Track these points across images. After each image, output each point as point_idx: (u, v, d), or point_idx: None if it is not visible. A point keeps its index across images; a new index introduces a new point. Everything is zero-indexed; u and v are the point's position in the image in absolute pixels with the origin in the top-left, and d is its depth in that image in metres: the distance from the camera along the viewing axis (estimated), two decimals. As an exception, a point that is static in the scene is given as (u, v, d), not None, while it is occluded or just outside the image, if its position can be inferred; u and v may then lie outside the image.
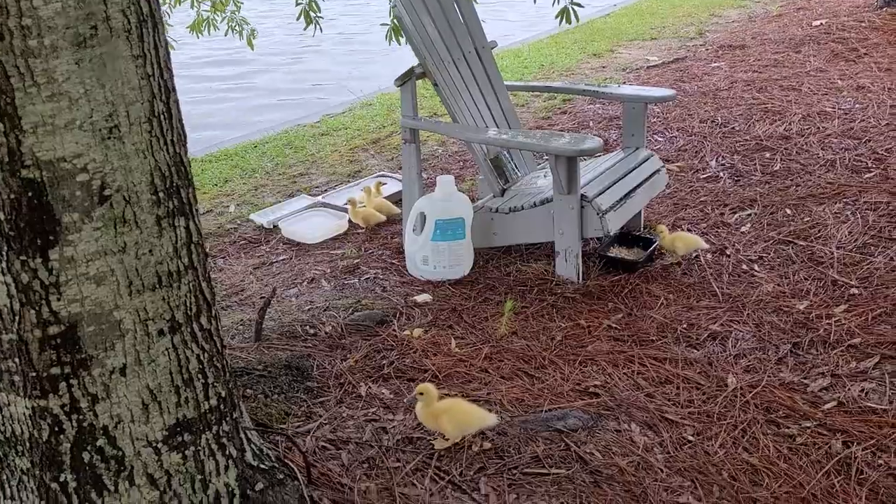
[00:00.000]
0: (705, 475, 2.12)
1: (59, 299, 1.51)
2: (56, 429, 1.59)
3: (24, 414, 1.59)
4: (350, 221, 4.20)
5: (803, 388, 2.49)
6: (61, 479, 1.63)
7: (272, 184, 5.14)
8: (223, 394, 1.82)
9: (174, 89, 1.65)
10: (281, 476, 1.93)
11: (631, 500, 2.02)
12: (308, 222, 4.28)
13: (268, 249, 4.04)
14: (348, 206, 4.20)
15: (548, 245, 3.60)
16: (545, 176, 3.84)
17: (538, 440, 2.24)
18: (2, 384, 1.58)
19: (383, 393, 2.45)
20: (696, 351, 2.75)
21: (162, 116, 1.59)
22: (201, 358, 1.74)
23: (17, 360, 1.54)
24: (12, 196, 1.42)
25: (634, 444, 2.24)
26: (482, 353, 2.74)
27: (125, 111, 1.51)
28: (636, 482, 2.09)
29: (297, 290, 3.47)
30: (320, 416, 2.30)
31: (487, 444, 2.21)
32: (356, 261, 3.75)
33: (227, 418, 1.84)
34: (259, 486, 1.86)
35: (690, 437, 2.28)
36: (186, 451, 1.74)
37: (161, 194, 1.59)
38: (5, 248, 1.45)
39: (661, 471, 2.13)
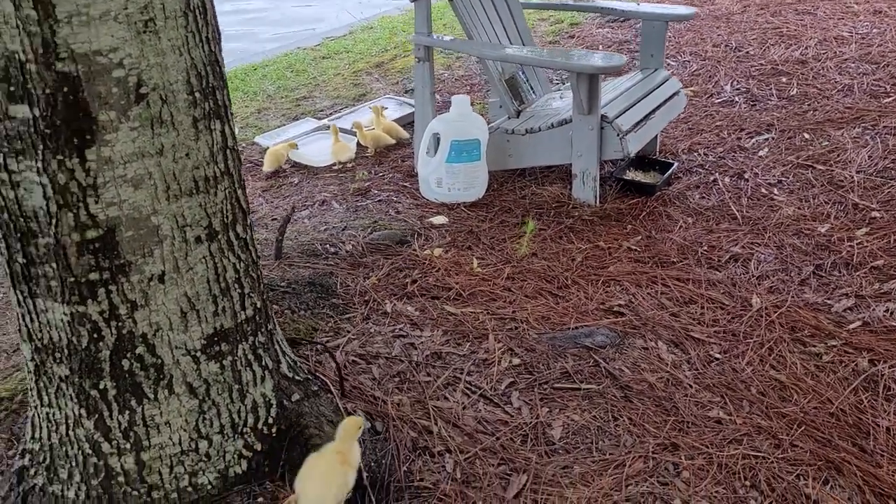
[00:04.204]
0: (734, 391, 2.13)
1: (96, 202, 1.45)
2: (95, 335, 1.56)
3: (63, 320, 1.55)
4: (358, 144, 4.12)
5: (827, 308, 2.49)
6: (101, 387, 1.61)
7: (275, 107, 5.03)
8: (258, 304, 1.79)
9: (208, -17, 1.57)
10: (315, 388, 1.92)
11: (662, 413, 2.03)
12: (315, 145, 4.20)
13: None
14: (355, 130, 4.12)
15: (562, 168, 3.56)
16: (561, 97, 3.76)
17: (567, 356, 2.24)
18: (39, 290, 1.54)
19: (408, 310, 2.43)
20: (718, 272, 2.74)
21: (197, 11, 1.51)
22: (237, 267, 1.70)
23: (53, 265, 1.50)
24: (47, 91, 1.35)
25: (662, 361, 2.24)
26: (504, 272, 2.72)
27: (160, 4, 1.42)
28: (666, 397, 2.09)
29: (309, 212, 3.42)
30: (348, 332, 2.28)
31: (516, 360, 2.21)
32: (367, 183, 3.69)
33: (263, 329, 1.81)
34: (295, 396, 1.85)
35: (717, 355, 2.28)
36: (224, 361, 1.71)
37: (197, 94, 1.52)
38: (41, 146, 1.38)
39: (691, 386, 2.14)
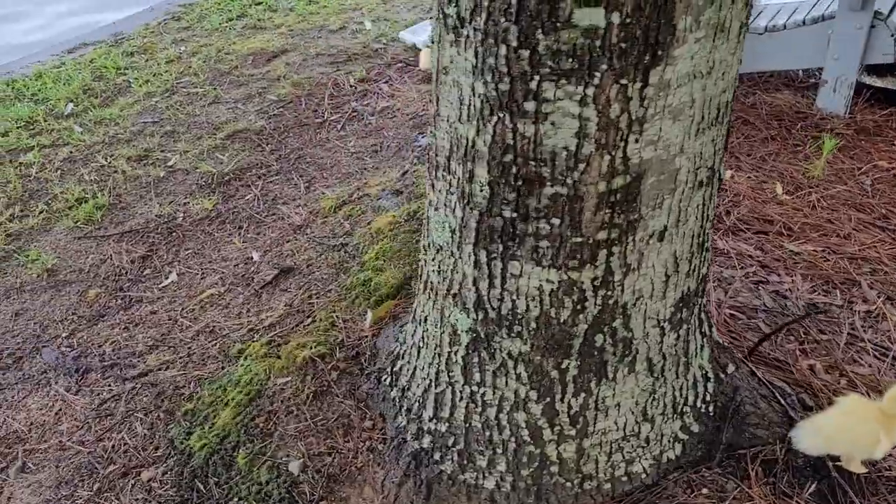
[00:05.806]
0: None
1: (636, 141, 1.09)
2: (579, 307, 1.23)
3: (540, 288, 1.21)
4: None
5: None
6: (563, 366, 1.29)
7: (403, -5, 4.52)
8: (708, 258, 1.45)
9: None
10: (739, 355, 1.61)
11: None
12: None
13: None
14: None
15: (784, 74, 3.15)
16: (790, -10, 3.29)
17: (958, 307, 1.92)
18: (520, 251, 1.19)
19: (744, 248, 2.09)
20: None
21: None
22: (710, 216, 1.35)
23: (555, 220, 1.14)
24: (640, -12, 0.96)
25: None
26: (809, 200, 2.37)
27: None
28: None
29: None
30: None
31: (908, 312, 1.90)
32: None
33: (704, 288, 1.48)
34: (729, 368, 1.54)
35: None
36: (681, 330, 1.39)
37: (747, -10, 1.13)
38: (603, 66, 1.00)
39: None
